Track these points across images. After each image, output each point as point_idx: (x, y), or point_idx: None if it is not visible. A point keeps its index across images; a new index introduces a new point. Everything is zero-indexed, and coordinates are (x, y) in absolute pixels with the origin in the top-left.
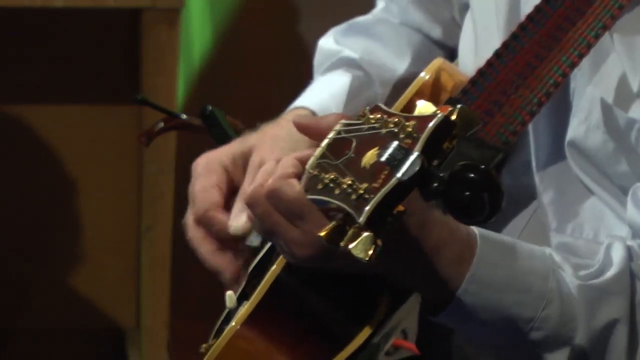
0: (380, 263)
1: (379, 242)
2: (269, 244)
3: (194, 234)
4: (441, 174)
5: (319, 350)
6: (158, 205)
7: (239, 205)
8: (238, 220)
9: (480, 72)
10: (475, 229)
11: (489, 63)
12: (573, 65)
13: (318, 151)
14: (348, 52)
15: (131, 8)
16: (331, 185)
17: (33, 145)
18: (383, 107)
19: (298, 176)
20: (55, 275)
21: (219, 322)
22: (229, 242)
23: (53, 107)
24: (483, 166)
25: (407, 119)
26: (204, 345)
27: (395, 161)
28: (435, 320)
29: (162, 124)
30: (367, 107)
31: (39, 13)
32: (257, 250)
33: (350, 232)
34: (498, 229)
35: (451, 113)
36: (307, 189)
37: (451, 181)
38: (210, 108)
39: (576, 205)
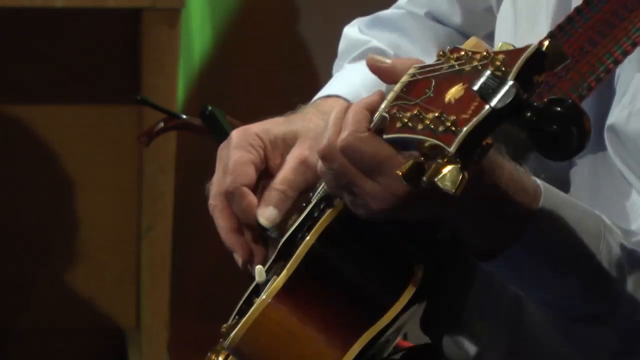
0: (462, 199)
1: (466, 173)
2: (297, 223)
3: (217, 203)
4: (535, 104)
5: (353, 323)
6: (158, 205)
7: (273, 195)
8: (268, 212)
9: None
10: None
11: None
12: (626, 53)
13: (391, 95)
14: (376, 43)
15: (131, 8)
16: (413, 122)
17: (33, 145)
18: (462, 47)
19: (370, 128)
20: (55, 275)
21: (241, 302)
22: (248, 224)
23: (53, 107)
24: (570, 100)
25: (496, 53)
26: (225, 325)
27: (489, 89)
28: (492, 265)
29: (162, 124)
30: (447, 47)
31: (39, 13)
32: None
33: (433, 167)
34: None
35: (542, 45)
36: (384, 130)
37: (542, 114)
38: (210, 108)
39: (612, 197)
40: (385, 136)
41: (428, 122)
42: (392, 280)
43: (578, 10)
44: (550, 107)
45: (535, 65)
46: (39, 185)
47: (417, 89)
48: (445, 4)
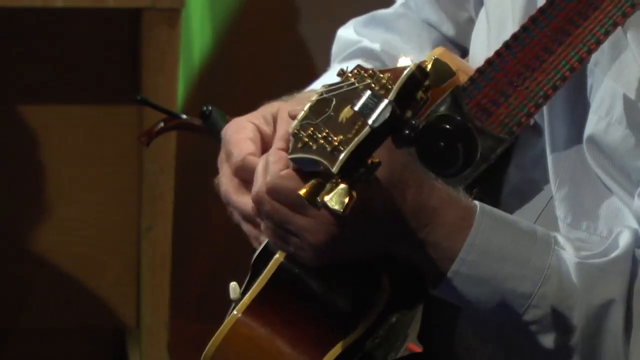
0: (378, 229)
1: (354, 193)
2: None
3: (229, 186)
4: (414, 122)
5: (323, 337)
6: (158, 205)
7: (274, 152)
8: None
9: (489, 62)
10: (476, 202)
11: (498, 53)
12: (581, 60)
13: (300, 115)
14: (367, 43)
15: (131, 8)
16: (309, 142)
17: (33, 145)
18: (362, 65)
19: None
20: (55, 275)
21: (230, 311)
22: None
23: (53, 107)
24: (459, 118)
25: (382, 71)
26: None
27: (368, 110)
28: (436, 294)
29: (162, 124)
30: (347, 67)
31: (39, 13)
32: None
33: (327, 187)
34: None
35: (424, 64)
36: (289, 151)
37: (426, 130)
38: (210, 108)
39: (592, 202)
40: (289, 156)
41: (321, 142)
42: (360, 293)
43: (532, 19)
44: (437, 123)
45: (417, 83)
46: (39, 185)
47: (320, 108)
48: (434, 15)
